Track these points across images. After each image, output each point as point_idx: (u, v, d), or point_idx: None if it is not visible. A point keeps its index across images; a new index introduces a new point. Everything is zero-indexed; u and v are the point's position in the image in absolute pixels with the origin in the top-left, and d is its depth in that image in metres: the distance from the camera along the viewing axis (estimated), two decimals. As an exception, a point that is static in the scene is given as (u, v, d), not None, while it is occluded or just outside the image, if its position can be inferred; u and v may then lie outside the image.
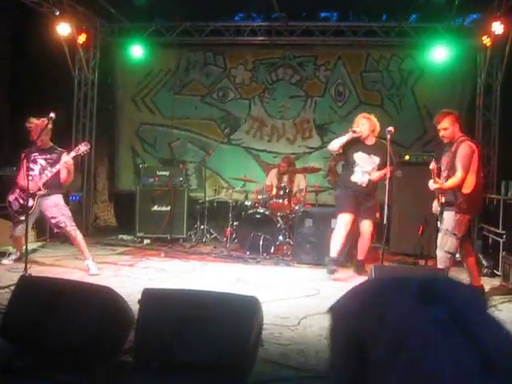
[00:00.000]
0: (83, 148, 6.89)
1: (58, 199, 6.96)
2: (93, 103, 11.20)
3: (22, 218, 6.72)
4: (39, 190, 6.80)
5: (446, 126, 5.96)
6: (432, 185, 5.89)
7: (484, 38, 9.62)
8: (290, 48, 11.45)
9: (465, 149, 5.84)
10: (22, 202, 6.79)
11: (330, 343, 1.11)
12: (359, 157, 7.16)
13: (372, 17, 10.79)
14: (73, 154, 6.87)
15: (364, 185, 7.18)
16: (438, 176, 5.92)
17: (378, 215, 7.29)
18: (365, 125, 7.17)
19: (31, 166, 6.80)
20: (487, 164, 9.48)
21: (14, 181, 7.15)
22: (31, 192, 6.73)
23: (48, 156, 6.95)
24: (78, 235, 6.97)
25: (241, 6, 10.78)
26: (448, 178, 5.89)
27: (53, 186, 6.89)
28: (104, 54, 11.42)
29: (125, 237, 10.32)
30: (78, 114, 11.01)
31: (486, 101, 10.14)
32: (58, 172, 6.89)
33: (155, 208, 9.91)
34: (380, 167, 7.12)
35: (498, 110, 10.00)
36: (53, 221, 6.91)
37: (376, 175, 7.13)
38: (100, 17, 10.87)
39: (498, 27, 9.00)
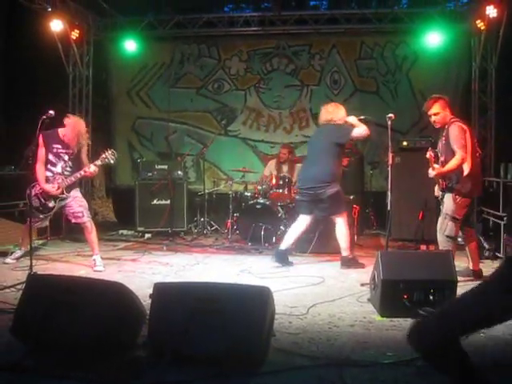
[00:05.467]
0: (110, 157, 6.78)
1: (75, 192, 6.97)
2: (88, 99, 11.15)
3: (41, 216, 6.77)
4: (62, 193, 6.81)
5: (437, 111, 6.00)
6: (431, 172, 5.90)
7: (478, 22, 9.61)
8: (284, 37, 11.43)
9: (454, 129, 5.85)
10: (43, 200, 6.76)
11: None
12: None
13: (361, 4, 10.77)
14: (99, 162, 6.80)
15: None
16: (436, 162, 5.93)
17: None
18: None
19: (53, 159, 6.81)
20: (484, 147, 9.49)
21: (32, 171, 6.80)
22: (54, 195, 6.77)
23: (71, 151, 6.87)
24: (93, 228, 6.97)
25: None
26: (445, 163, 5.91)
27: (71, 184, 6.89)
28: (98, 50, 11.36)
29: (125, 232, 10.33)
30: (73, 110, 10.90)
31: (481, 85, 10.16)
32: (75, 165, 6.91)
33: (155, 202, 9.92)
34: None
35: (494, 93, 10.02)
36: (71, 211, 6.89)
37: None
38: (92, 12, 10.81)
39: (491, 11, 9.01)
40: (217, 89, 11.71)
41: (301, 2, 11.25)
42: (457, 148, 5.78)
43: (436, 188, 6.20)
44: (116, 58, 11.79)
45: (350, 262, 6.95)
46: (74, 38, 10.42)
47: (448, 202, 5.94)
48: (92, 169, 6.77)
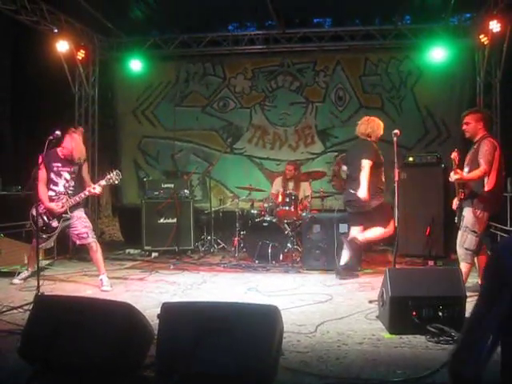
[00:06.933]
0: (115, 177, 6.75)
1: (80, 212, 6.96)
2: (94, 118, 11.21)
3: (45, 236, 6.75)
4: (65, 212, 6.81)
5: (468, 121, 6.15)
6: (452, 175, 5.94)
7: (481, 36, 9.64)
8: (289, 55, 11.49)
9: (486, 144, 5.95)
10: (46, 220, 6.77)
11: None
12: None
13: (365, 21, 10.79)
14: (103, 182, 6.78)
15: None
16: (459, 168, 5.99)
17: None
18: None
19: (54, 178, 6.82)
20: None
21: (35, 191, 6.83)
22: (58, 215, 6.77)
23: (72, 169, 6.90)
24: (99, 248, 6.96)
25: (235, 15, 10.82)
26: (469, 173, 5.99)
27: (75, 203, 6.88)
28: (103, 70, 11.45)
29: (132, 251, 10.34)
30: (79, 129, 10.99)
31: (486, 99, 10.15)
32: (78, 184, 6.91)
33: (161, 221, 9.91)
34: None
35: (499, 107, 10.01)
36: (75, 232, 6.88)
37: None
38: (98, 32, 10.91)
39: (494, 25, 9.02)
40: (222, 107, 11.77)
41: (305, 19, 11.28)
42: (482, 162, 5.89)
43: (454, 200, 6.23)
44: (121, 78, 11.88)
45: (345, 272, 7.19)
46: (80, 58, 10.53)
47: (468, 216, 6.00)
48: (97, 190, 6.76)
